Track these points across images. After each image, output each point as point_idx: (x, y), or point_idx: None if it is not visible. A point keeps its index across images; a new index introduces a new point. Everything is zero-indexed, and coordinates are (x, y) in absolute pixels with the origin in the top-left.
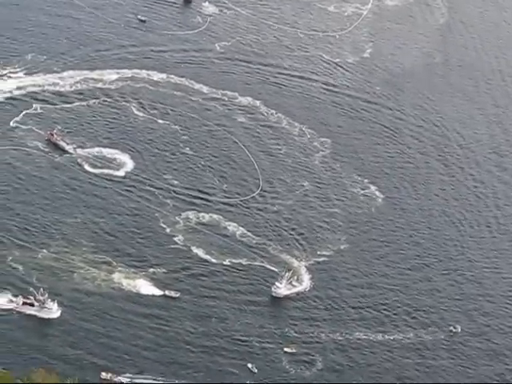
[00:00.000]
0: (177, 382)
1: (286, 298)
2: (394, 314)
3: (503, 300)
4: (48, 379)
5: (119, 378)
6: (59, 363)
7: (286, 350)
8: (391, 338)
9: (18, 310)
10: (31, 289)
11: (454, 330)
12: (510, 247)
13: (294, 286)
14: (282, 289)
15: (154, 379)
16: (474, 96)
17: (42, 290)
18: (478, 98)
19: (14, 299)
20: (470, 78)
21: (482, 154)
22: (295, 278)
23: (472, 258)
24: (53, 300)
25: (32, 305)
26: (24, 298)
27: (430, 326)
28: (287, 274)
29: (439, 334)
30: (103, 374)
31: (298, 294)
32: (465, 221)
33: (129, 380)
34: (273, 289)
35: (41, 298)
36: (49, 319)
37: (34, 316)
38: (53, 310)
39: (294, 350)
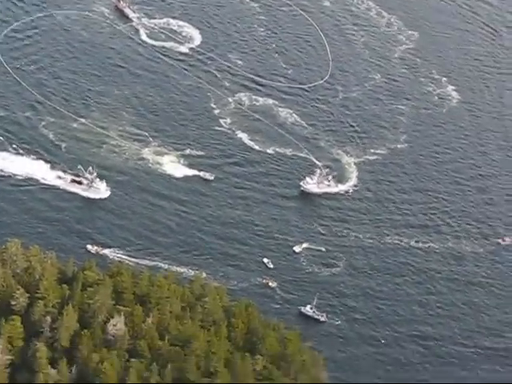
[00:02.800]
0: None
1: (317, 195)
2: (435, 222)
3: None
4: (20, 251)
5: (104, 251)
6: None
7: (294, 249)
8: (425, 246)
9: (65, 187)
10: (79, 166)
11: (501, 243)
12: None
13: (329, 186)
14: (311, 185)
15: (134, 257)
16: None
17: (90, 168)
18: None
19: (62, 175)
20: None
21: None
22: (332, 176)
23: None
24: (101, 180)
25: (80, 183)
26: (73, 175)
27: (472, 237)
28: (320, 170)
29: (480, 246)
30: (89, 247)
31: (333, 193)
32: None
33: (114, 254)
34: (301, 183)
35: (89, 176)
36: (97, 199)
37: (80, 195)
38: (101, 190)
39: (301, 250)
